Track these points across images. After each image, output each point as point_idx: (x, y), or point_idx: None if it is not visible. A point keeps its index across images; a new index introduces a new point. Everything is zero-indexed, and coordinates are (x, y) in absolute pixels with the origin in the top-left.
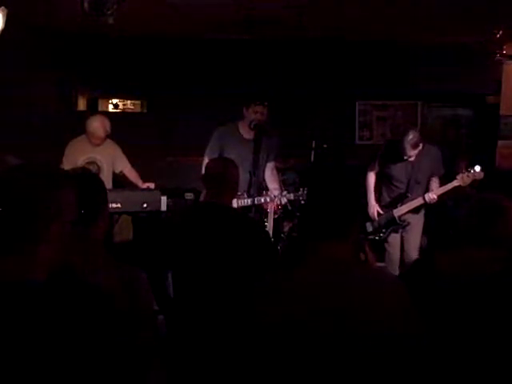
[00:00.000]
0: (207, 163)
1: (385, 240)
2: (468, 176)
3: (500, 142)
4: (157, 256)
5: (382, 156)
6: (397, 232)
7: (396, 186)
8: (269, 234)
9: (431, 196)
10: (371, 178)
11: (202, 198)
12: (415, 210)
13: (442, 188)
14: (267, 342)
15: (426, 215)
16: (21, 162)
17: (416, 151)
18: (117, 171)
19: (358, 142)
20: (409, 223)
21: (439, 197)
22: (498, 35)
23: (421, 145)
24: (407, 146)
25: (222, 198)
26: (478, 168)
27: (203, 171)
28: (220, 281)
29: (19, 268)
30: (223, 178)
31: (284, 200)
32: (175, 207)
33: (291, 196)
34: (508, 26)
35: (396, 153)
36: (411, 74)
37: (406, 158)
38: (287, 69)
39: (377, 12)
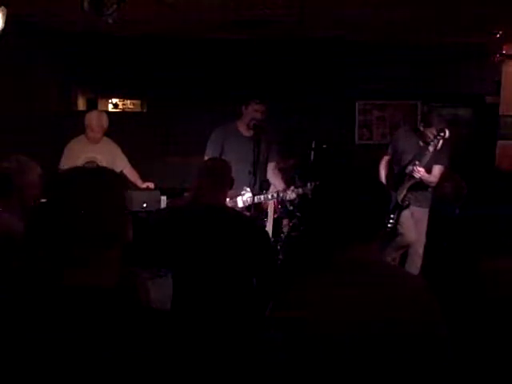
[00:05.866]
0: (204, 162)
1: (396, 223)
2: (437, 139)
3: (500, 142)
4: (156, 255)
5: (395, 142)
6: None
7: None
8: (267, 233)
9: (415, 168)
10: (383, 167)
11: (195, 197)
12: (420, 203)
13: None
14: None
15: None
16: (30, 161)
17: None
18: (117, 171)
19: (357, 141)
20: (409, 203)
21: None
22: (498, 35)
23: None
24: (438, 118)
25: (218, 197)
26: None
27: (199, 170)
28: (219, 280)
29: (93, 275)
30: (220, 177)
31: (293, 195)
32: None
33: (300, 190)
34: (508, 26)
35: (409, 139)
36: (411, 74)
37: (433, 132)
38: (287, 69)
39: (377, 12)
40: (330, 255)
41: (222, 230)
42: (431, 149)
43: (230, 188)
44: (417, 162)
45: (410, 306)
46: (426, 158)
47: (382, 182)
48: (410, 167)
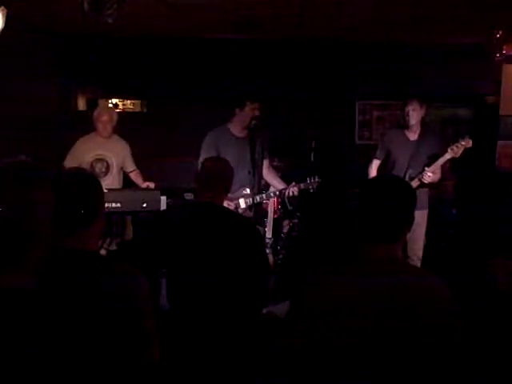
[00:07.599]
0: (205, 162)
1: None
2: (457, 146)
3: (500, 142)
4: (150, 255)
5: (384, 142)
6: None
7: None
8: (260, 234)
9: (426, 174)
10: (374, 168)
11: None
12: (419, 205)
13: (435, 164)
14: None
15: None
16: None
17: (417, 115)
18: (127, 171)
19: (357, 141)
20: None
21: (440, 179)
22: (498, 36)
23: (424, 108)
24: (408, 109)
25: (217, 197)
26: (466, 137)
27: (200, 170)
28: (213, 280)
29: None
30: (221, 177)
31: (295, 191)
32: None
33: (301, 185)
34: (508, 26)
35: (398, 137)
36: (411, 74)
37: (407, 119)
38: (287, 69)
39: (376, 12)
40: (359, 253)
41: (218, 230)
42: (448, 156)
43: (228, 189)
44: (426, 168)
45: (429, 300)
46: (416, 152)
47: (410, 187)
48: (410, 171)
